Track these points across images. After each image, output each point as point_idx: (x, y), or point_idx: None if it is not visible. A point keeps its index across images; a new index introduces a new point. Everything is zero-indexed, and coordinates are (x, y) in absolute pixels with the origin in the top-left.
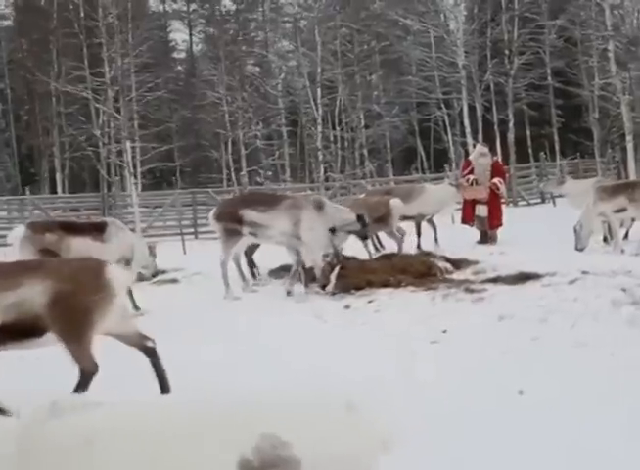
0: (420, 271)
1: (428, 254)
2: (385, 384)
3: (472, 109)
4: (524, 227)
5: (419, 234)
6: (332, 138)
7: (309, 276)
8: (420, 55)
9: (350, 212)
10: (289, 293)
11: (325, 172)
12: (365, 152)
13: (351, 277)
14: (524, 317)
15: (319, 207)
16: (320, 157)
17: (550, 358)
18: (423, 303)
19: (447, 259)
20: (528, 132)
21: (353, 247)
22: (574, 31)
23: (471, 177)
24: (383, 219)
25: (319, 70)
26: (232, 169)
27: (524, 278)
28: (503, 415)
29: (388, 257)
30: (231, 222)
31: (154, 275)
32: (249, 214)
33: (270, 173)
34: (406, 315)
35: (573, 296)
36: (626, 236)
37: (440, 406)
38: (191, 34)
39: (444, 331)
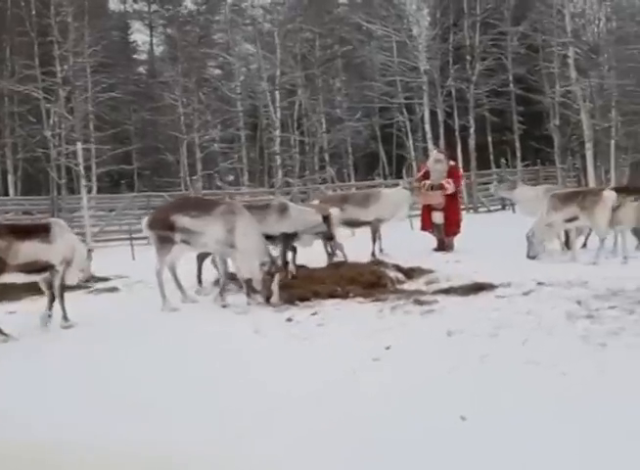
0: (369, 281)
1: (379, 262)
2: (318, 404)
3: (433, 114)
4: (482, 235)
5: (374, 240)
6: (292, 142)
7: (251, 287)
8: (382, 59)
9: (316, 214)
10: (224, 306)
11: (283, 177)
12: (326, 156)
13: (297, 287)
14: (474, 332)
15: (282, 210)
16: (278, 161)
17: (498, 379)
18: (369, 315)
19: (399, 269)
20: (490, 139)
21: (308, 254)
22: (536, 38)
23: (427, 182)
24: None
25: (278, 72)
26: (187, 173)
27: (477, 289)
28: (441, 445)
29: (338, 265)
30: (163, 229)
31: (87, 280)
32: (181, 221)
33: (232, 178)
34: (350, 329)
35: (527, 308)
36: (584, 245)
37: (373, 433)
38: (152, 35)
39: (388, 347)
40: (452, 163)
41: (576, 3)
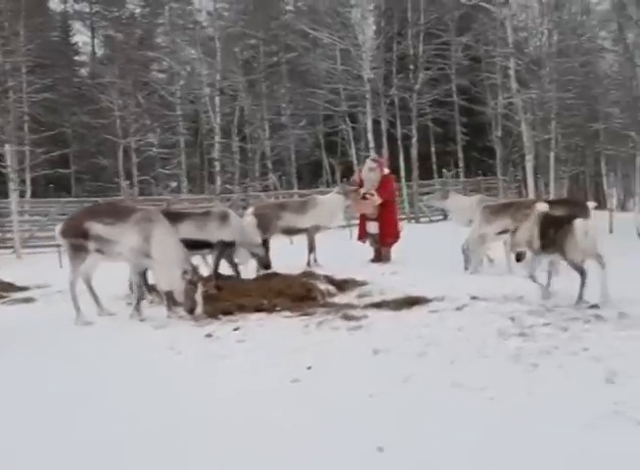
0: (298, 294)
1: (310, 274)
2: (223, 431)
3: (377, 123)
4: (422, 245)
5: (311, 249)
6: (233, 148)
7: (172, 299)
8: (326, 67)
9: (257, 235)
10: (142, 320)
11: (223, 184)
12: (269, 164)
13: (222, 300)
14: (401, 351)
15: (223, 218)
16: (218, 167)
17: (421, 404)
18: (294, 331)
19: (331, 281)
20: (433, 149)
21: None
22: (479, 50)
23: (362, 191)
24: None
25: (218, 77)
26: (123, 178)
27: (410, 303)
28: None
29: (269, 277)
30: (76, 237)
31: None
32: (94, 228)
33: (175, 184)
34: (272, 346)
35: (459, 324)
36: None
37: (277, 465)
38: (93, 37)
39: (309, 367)
40: (387, 171)
41: (519, 16)
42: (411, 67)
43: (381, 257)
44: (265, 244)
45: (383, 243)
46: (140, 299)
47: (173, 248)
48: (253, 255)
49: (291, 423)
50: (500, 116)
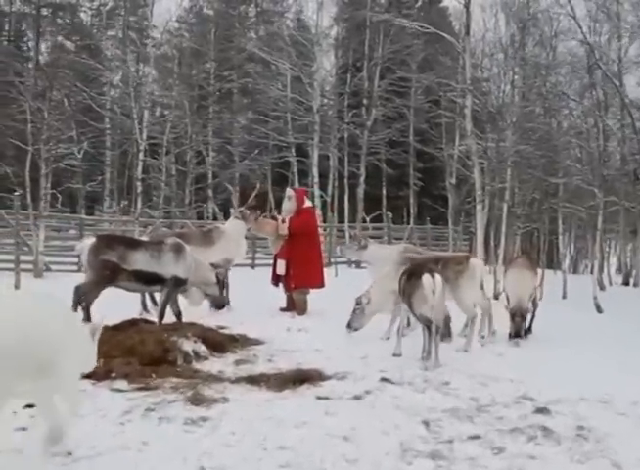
0: (152, 355)
1: (180, 326)
2: None
3: (325, 158)
4: (351, 293)
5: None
6: (167, 169)
7: None
8: (277, 94)
9: (212, 271)
10: None
11: (142, 206)
12: (210, 191)
13: None
14: None
15: (178, 250)
16: (139, 188)
17: None
18: (102, 424)
19: (208, 338)
20: (384, 192)
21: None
22: (439, 92)
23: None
24: None
25: (147, 89)
26: (28, 190)
27: (298, 380)
28: None
29: (125, 326)
30: None
31: None
32: None
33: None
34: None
35: (348, 428)
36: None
37: None
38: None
39: None
40: (309, 205)
41: (481, 59)
42: (365, 101)
43: (293, 306)
44: (219, 281)
45: (287, 287)
46: None
47: None
48: (207, 295)
49: None
50: (455, 161)
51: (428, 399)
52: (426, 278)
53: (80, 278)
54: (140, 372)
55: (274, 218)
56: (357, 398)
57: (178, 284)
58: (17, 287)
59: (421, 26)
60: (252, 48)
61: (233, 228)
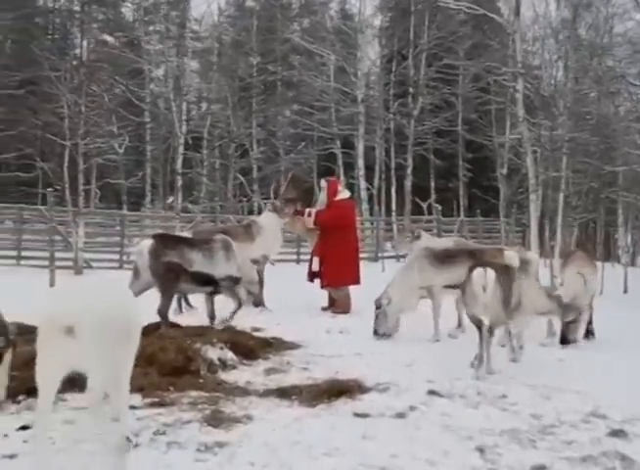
0: (173, 364)
1: (207, 331)
2: None
3: (371, 149)
4: None
5: (262, 285)
6: (210, 163)
7: None
8: (320, 85)
9: (253, 268)
10: None
11: (183, 201)
12: (255, 185)
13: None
14: None
15: (227, 248)
16: (179, 182)
17: None
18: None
19: (238, 344)
20: (433, 183)
21: None
22: (488, 77)
23: (308, 210)
24: None
25: (188, 82)
26: (66, 187)
27: (334, 393)
28: None
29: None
30: None
31: None
32: None
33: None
34: None
35: (388, 453)
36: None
37: None
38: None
39: None
40: (343, 197)
41: (532, 44)
42: (411, 90)
43: (334, 304)
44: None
45: (321, 284)
46: None
47: None
48: (249, 293)
49: None
50: (506, 151)
51: (482, 418)
52: (477, 273)
53: (119, 275)
54: (157, 385)
55: (298, 212)
56: (400, 415)
57: (234, 283)
58: (52, 284)
59: (469, 7)
60: (296, 39)
61: (268, 222)
